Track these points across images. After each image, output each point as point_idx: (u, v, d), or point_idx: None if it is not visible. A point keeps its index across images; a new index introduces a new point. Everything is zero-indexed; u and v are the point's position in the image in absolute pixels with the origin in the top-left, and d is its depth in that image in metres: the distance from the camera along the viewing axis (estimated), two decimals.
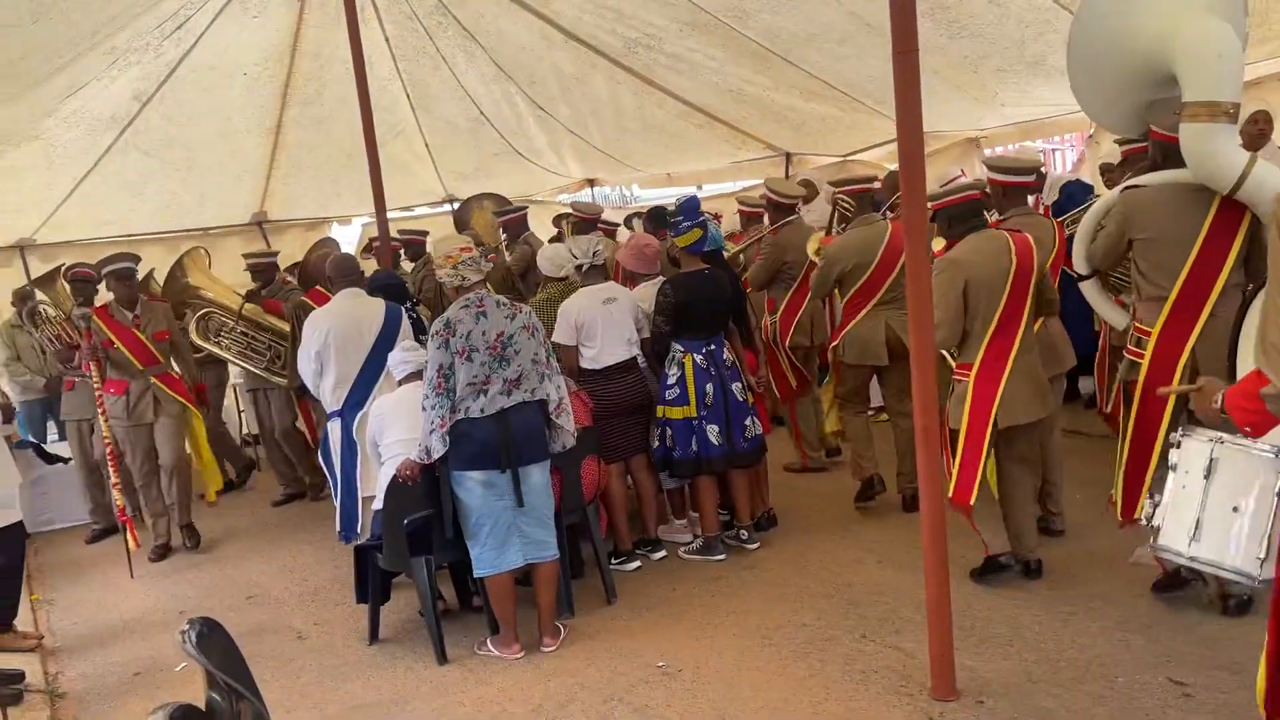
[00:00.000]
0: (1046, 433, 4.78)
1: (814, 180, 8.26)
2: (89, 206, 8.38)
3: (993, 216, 4.82)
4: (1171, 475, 2.88)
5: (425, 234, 7.97)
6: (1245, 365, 2.84)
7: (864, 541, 5.25)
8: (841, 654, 4.03)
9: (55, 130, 6.99)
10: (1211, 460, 2.74)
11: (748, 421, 5.18)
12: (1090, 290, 4.32)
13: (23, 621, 5.23)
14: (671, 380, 5.10)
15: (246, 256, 7.78)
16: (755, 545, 5.30)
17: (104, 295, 6.66)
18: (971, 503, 4.20)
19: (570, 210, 8.50)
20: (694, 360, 5.07)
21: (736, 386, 5.17)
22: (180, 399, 6.39)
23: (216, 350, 7.27)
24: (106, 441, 6.00)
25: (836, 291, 5.74)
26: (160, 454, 6.37)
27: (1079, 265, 4.30)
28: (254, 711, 1.82)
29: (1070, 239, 4.70)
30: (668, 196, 11.06)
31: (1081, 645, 3.85)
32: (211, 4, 6.43)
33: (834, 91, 7.40)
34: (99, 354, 6.00)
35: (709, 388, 5.06)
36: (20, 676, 4.56)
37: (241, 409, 8.87)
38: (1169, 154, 3.78)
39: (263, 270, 7.62)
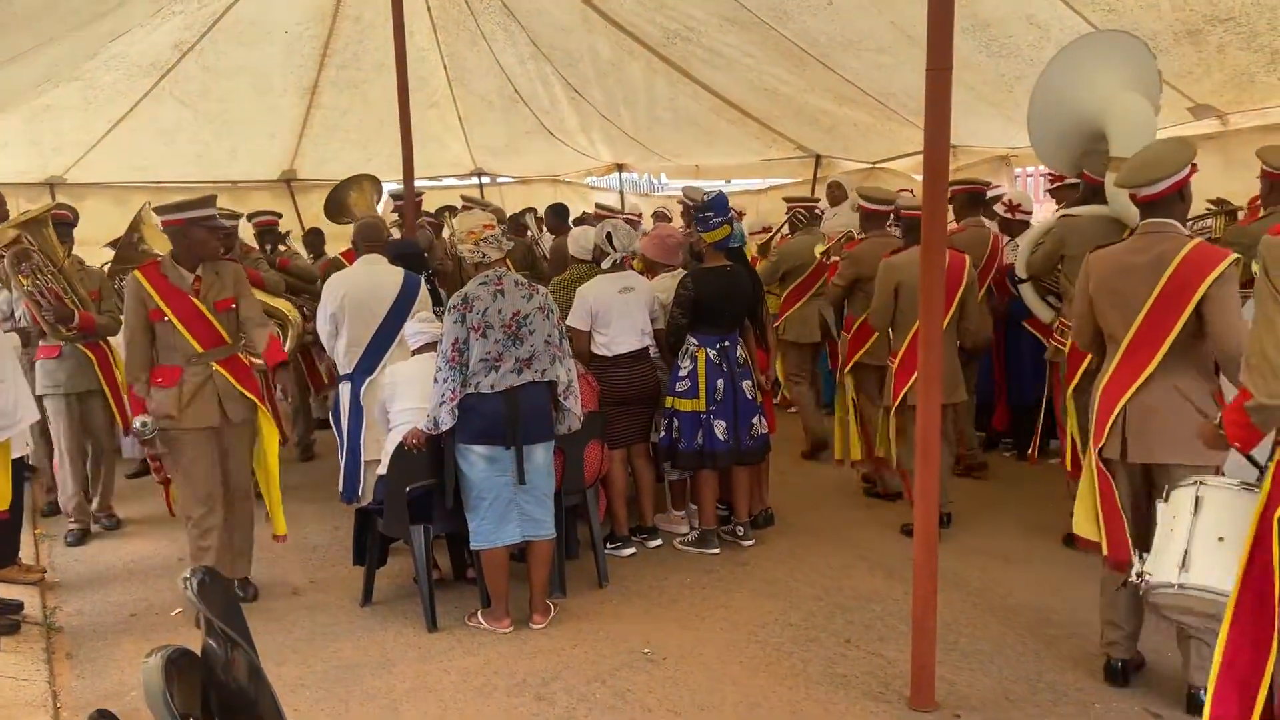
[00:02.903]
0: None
1: (844, 184, 8.27)
2: (121, 150, 8.49)
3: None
4: (1159, 526, 3.11)
5: (279, 215, 7.58)
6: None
7: (858, 547, 5.30)
8: (824, 656, 4.08)
9: (95, 72, 7.08)
10: (1197, 499, 2.99)
11: (755, 419, 5.22)
12: (1027, 291, 5.26)
13: (26, 555, 5.33)
14: (683, 373, 5.15)
15: None
16: (751, 542, 5.35)
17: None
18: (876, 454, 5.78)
19: (462, 201, 8.58)
20: (707, 355, 5.11)
21: (747, 384, 5.20)
22: (252, 396, 4.70)
23: None
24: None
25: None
26: (225, 473, 4.74)
27: (1020, 271, 5.25)
28: (247, 661, 1.87)
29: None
30: (696, 187, 11.09)
31: (1062, 669, 3.89)
32: None
33: (868, 98, 7.41)
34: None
35: (720, 383, 5.11)
36: (19, 607, 4.64)
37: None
38: (1096, 192, 4.76)
39: (226, 235, 6.02)
